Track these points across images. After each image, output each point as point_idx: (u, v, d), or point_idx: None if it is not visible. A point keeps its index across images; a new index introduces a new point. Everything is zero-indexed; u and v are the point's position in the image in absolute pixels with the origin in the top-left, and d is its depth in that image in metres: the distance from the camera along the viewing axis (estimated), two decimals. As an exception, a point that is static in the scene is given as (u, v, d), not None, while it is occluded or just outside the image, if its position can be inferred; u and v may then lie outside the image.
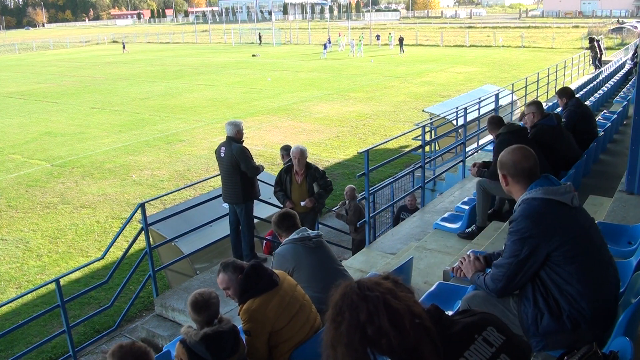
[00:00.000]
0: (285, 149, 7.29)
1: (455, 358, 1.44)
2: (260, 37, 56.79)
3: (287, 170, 6.34)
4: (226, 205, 6.59)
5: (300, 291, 3.34)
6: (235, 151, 6.13)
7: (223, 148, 6.26)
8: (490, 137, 9.14)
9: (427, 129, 10.01)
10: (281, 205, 7.00)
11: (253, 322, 3.05)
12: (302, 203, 6.23)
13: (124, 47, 53.54)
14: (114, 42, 70.82)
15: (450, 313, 1.73)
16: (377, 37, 50.82)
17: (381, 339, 1.39)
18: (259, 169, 6.34)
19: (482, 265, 2.79)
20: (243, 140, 6.33)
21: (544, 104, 7.00)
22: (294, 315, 3.18)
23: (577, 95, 8.08)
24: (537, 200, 2.45)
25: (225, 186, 6.36)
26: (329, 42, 45.58)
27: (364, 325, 1.40)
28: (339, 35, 51.58)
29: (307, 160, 6.38)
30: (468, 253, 2.95)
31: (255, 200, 6.58)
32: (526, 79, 15.25)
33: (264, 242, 7.79)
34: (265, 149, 16.05)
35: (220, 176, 6.47)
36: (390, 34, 49.85)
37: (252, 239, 6.55)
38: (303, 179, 6.28)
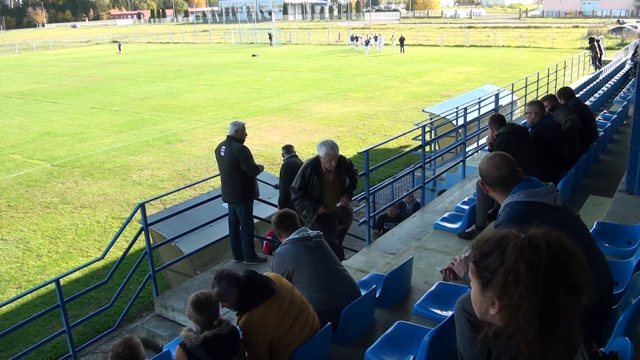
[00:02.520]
0: (287, 149, 7.28)
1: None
2: (270, 37, 56.45)
3: (316, 170, 5.41)
4: (226, 205, 6.58)
5: (297, 293, 3.33)
6: (236, 150, 6.11)
7: (223, 147, 6.23)
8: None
9: (427, 129, 10.01)
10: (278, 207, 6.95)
11: (254, 334, 3.05)
12: (339, 204, 5.52)
13: (119, 48, 53.06)
14: (114, 42, 70.82)
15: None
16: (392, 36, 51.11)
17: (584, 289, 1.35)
18: (258, 169, 6.31)
19: None
20: (243, 141, 6.29)
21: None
22: (294, 320, 3.18)
23: (577, 95, 8.08)
24: (520, 203, 2.47)
25: (225, 186, 6.32)
26: (353, 40, 47.46)
27: (575, 281, 1.35)
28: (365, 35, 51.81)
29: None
30: (464, 255, 2.95)
31: (255, 200, 6.57)
32: (526, 79, 15.25)
33: (264, 242, 7.79)
34: (265, 149, 16.05)
35: (219, 176, 6.44)
36: (392, 35, 50.01)
37: (251, 239, 6.53)
38: (335, 176, 5.51)
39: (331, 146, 5.32)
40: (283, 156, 7.21)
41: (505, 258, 1.40)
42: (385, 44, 46.23)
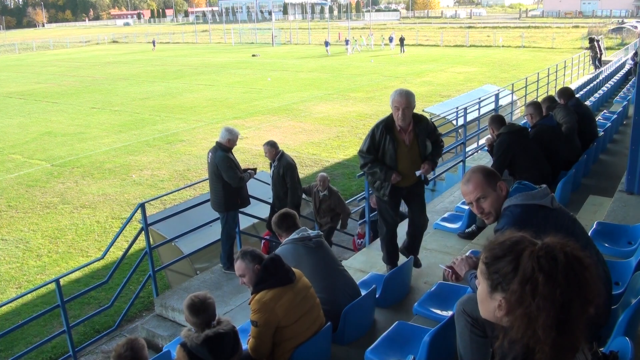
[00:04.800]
0: (271, 145, 6.97)
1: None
2: (274, 40, 56.48)
3: (388, 128, 4.37)
4: None
5: (312, 293, 3.36)
6: (218, 160, 6.01)
7: (210, 154, 6.15)
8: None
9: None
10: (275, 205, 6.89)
11: (262, 313, 3.08)
12: (418, 172, 4.43)
13: (154, 45, 55.39)
14: (114, 42, 70.82)
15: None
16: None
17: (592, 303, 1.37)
18: (243, 179, 6.14)
19: (475, 262, 2.78)
20: (230, 149, 6.12)
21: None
22: (303, 315, 3.21)
23: (577, 95, 8.09)
24: (520, 206, 2.47)
25: (210, 192, 6.28)
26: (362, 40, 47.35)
27: (586, 291, 1.36)
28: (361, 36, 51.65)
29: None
30: (465, 255, 2.95)
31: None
32: (526, 79, 15.27)
33: (262, 241, 7.78)
34: (265, 149, 16.03)
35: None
36: (390, 35, 49.94)
37: (230, 249, 6.36)
38: (413, 138, 4.41)
39: (399, 93, 4.29)
40: (271, 152, 6.92)
41: (520, 265, 1.40)
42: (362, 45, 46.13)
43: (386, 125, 4.39)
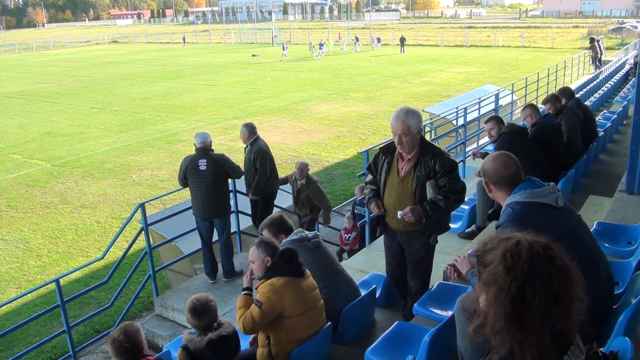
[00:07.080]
0: (246, 126, 6.55)
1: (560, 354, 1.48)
2: (273, 38, 56.37)
3: (388, 150, 3.67)
4: None
5: (318, 294, 3.39)
6: (220, 160, 5.83)
7: (203, 160, 5.73)
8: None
9: (427, 128, 10.01)
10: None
11: (270, 296, 3.11)
12: (399, 214, 3.51)
13: (184, 41, 58.44)
14: (114, 42, 70.81)
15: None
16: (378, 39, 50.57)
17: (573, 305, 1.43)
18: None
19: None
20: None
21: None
22: (308, 311, 3.23)
23: (577, 95, 8.09)
24: (521, 204, 2.47)
25: (210, 200, 5.79)
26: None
27: (555, 291, 1.41)
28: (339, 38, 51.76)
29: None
30: (467, 253, 2.95)
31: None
32: (526, 79, 15.27)
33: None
34: (265, 149, 16.02)
35: (195, 193, 5.87)
36: (376, 37, 49.79)
37: (232, 254, 6.19)
38: (410, 169, 3.57)
39: (395, 115, 3.48)
40: (245, 135, 6.61)
41: (495, 257, 1.48)
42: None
43: (388, 146, 3.67)
